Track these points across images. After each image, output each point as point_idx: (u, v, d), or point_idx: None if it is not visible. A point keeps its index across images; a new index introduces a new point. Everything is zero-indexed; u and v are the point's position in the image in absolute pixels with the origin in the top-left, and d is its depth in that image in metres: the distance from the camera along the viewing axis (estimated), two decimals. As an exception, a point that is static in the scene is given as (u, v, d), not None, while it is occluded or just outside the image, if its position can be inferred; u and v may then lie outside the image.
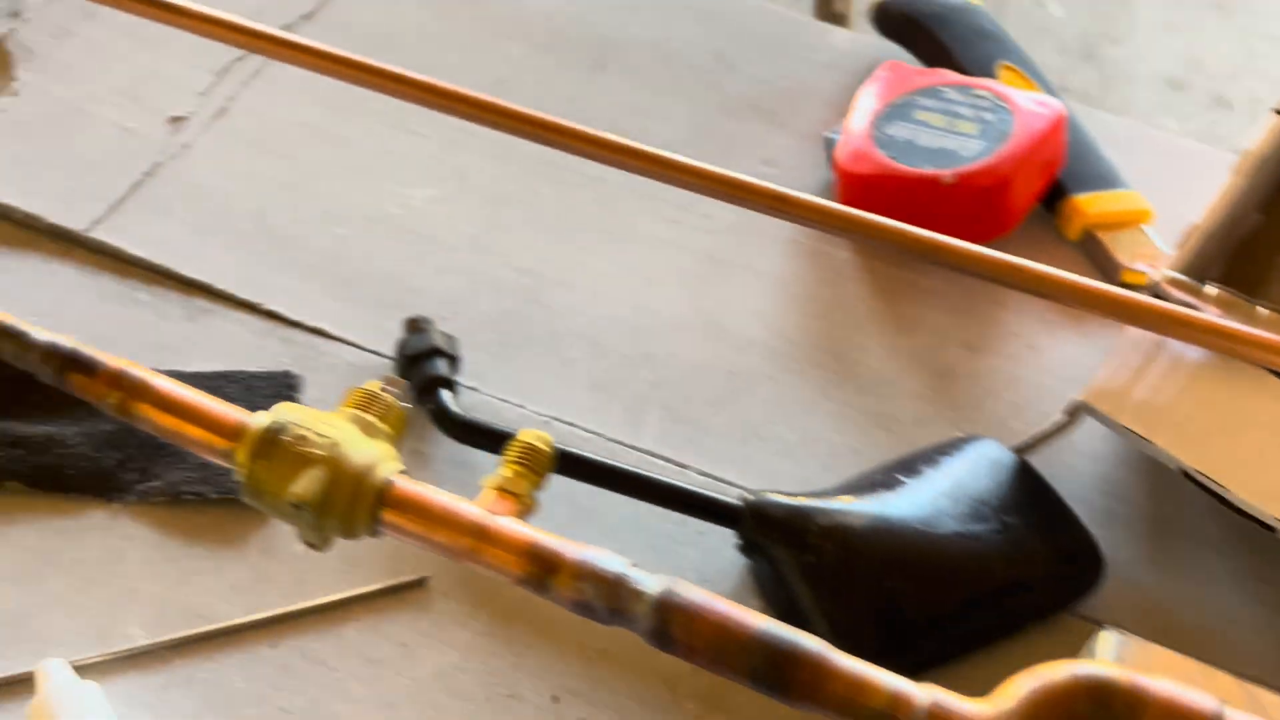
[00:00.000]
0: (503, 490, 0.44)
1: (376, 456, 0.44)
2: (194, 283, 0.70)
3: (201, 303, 0.70)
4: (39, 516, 0.61)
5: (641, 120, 0.81)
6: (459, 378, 0.67)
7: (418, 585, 0.60)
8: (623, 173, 0.70)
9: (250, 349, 0.68)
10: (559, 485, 0.60)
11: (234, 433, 0.44)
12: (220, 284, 0.70)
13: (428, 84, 0.70)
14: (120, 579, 0.59)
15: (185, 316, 0.69)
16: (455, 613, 0.60)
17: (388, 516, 0.43)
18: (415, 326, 0.67)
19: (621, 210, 0.76)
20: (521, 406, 0.67)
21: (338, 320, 0.70)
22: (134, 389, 0.45)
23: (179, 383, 0.46)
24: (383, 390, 0.46)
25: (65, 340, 0.46)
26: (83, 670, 0.56)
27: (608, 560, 0.42)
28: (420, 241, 0.74)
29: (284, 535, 0.61)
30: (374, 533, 0.44)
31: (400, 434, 0.46)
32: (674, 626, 0.41)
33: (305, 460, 0.43)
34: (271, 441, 0.43)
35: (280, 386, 0.66)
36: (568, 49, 0.85)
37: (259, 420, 0.44)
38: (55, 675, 0.54)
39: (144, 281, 0.70)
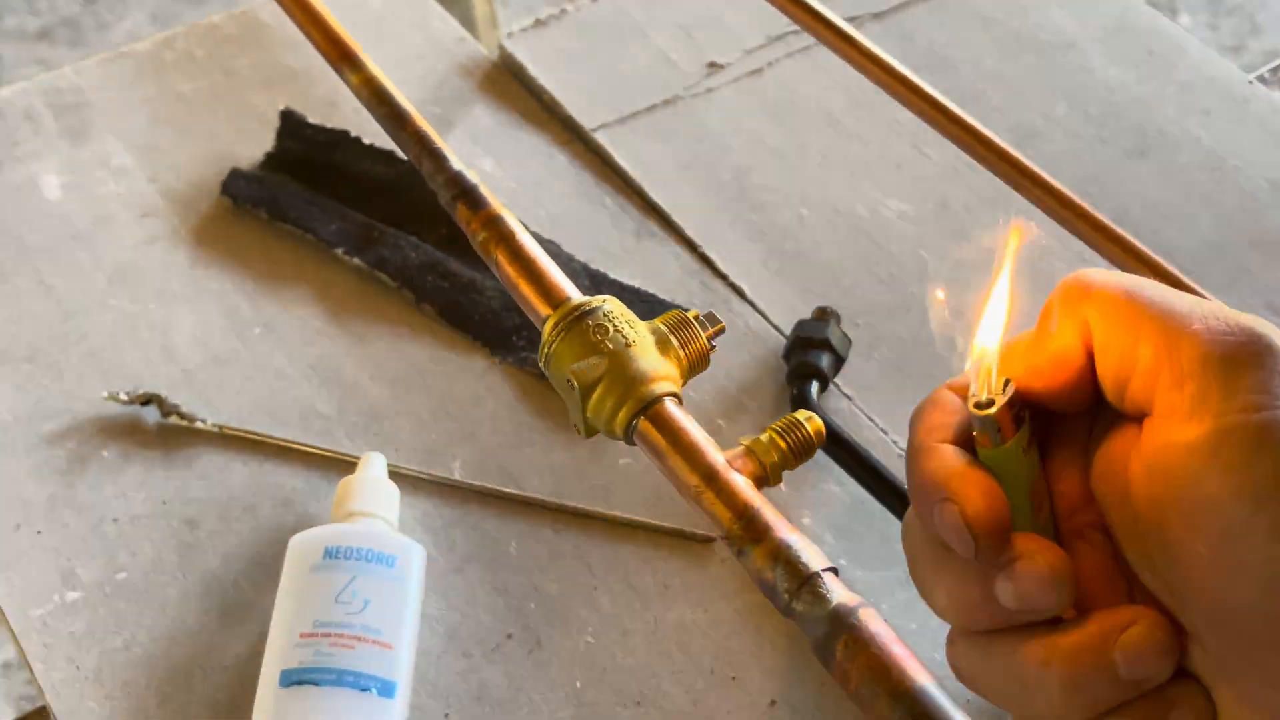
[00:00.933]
0: (751, 451, 0.44)
1: (657, 374, 0.45)
2: (655, 207, 0.75)
3: (653, 226, 0.74)
4: (434, 342, 0.68)
5: (1158, 220, 0.76)
6: (838, 380, 0.67)
7: (705, 543, 0.61)
8: (1109, 263, 0.66)
9: (672, 281, 0.71)
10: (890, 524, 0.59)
11: (556, 303, 0.47)
12: (675, 215, 0.74)
13: (953, 113, 0.70)
14: (468, 424, 0.65)
15: (634, 232, 0.74)
16: (726, 583, 0.60)
17: (643, 426, 0.44)
18: (821, 314, 0.67)
19: (1087, 295, 0.72)
20: (884, 432, 0.65)
21: (759, 286, 0.71)
22: (500, 234, 0.49)
23: (538, 245, 0.49)
24: (696, 320, 0.47)
25: (471, 175, 0.51)
26: (398, 476, 0.61)
27: (810, 555, 0.40)
28: (872, 248, 0.73)
29: (615, 447, 0.64)
30: (629, 439, 0.45)
31: (695, 367, 0.46)
32: (838, 643, 0.39)
33: (594, 348, 0.45)
34: (577, 320, 0.46)
35: (679, 320, 0.68)
36: (1114, 125, 0.81)
37: (578, 299, 0.46)
38: (373, 466, 0.60)
39: (615, 190, 0.76)
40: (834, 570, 0.41)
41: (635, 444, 0.46)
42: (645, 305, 0.70)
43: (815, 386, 0.64)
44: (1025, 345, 0.41)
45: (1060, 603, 0.39)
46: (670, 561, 0.60)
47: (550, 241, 0.72)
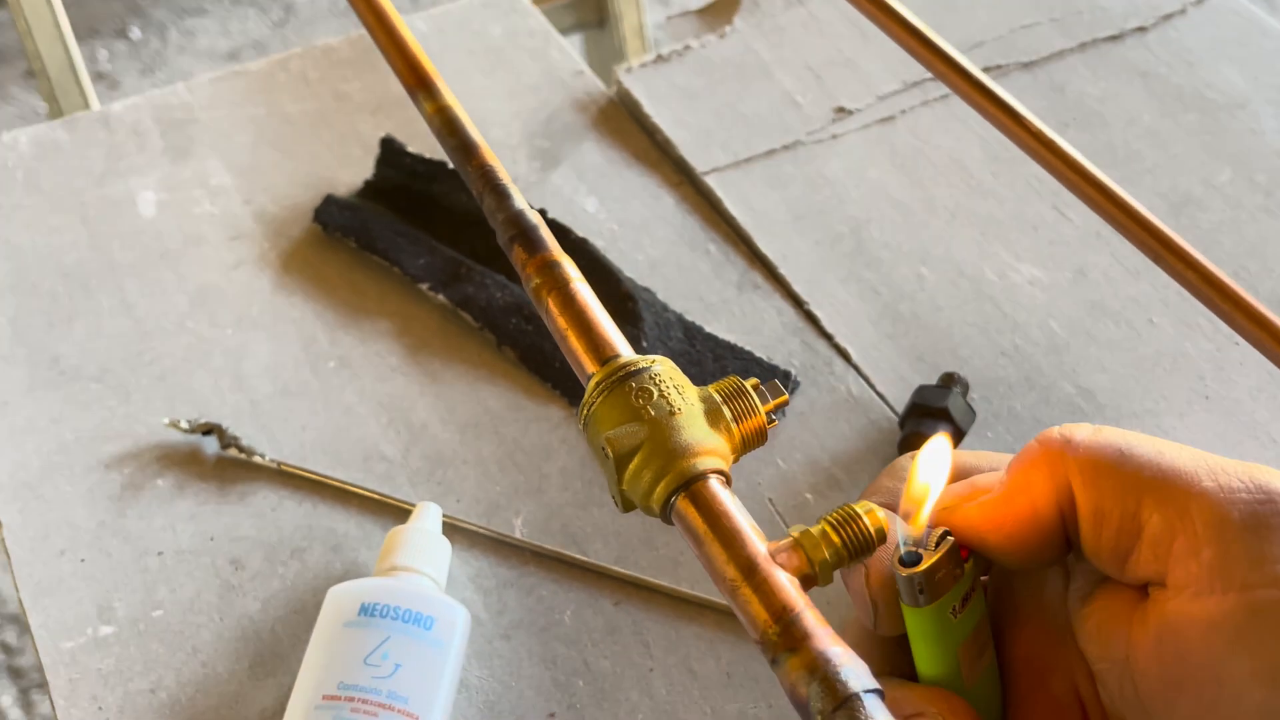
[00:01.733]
0: (799, 545, 0.38)
1: (702, 447, 0.40)
2: (762, 258, 0.70)
3: (758, 277, 0.69)
4: (510, 387, 0.64)
5: (1325, 302, 0.68)
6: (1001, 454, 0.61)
7: (777, 629, 0.56)
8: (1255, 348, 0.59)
9: (773, 338, 0.66)
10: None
11: (605, 360, 0.42)
12: (783, 268, 0.69)
13: (1093, 177, 0.63)
14: (535, 477, 0.61)
15: (736, 283, 0.69)
16: (795, 675, 0.54)
17: (681, 505, 0.39)
18: (947, 380, 0.62)
19: (1237, 383, 0.65)
20: (991, 519, 0.59)
21: (865, 349, 0.65)
22: (553, 281, 0.45)
23: (594, 297, 0.45)
24: (755, 390, 0.42)
25: (532, 215, 0.47)
26: (455, 529, 0.58)
27: (853, 672, 0.35)
28: (997, 315, 0.67)
29: (692, 515, 0.59)
30: (666, 518, 0.40)
31: (749, 443, 0.41)
32: (872, 782, 0.33)
33: (635, 414, 0.40)
34: (620, 381, 0.41)
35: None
36: (1284, 196, 0.73)
37: (625, 359, 0.42)
38: (426, 518, 0.56)
39: (722, 237, 0.71)
40: (879, 693, 0.35)
41: (674, 524, 0.41)
42: (740, 363, 0.65)
43: (917, 464, 0.58)
44: (990, 497, 0.37)
45: None
46: (736, 648, 0.55)
47: (646, 289, 0.67)
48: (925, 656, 0.40)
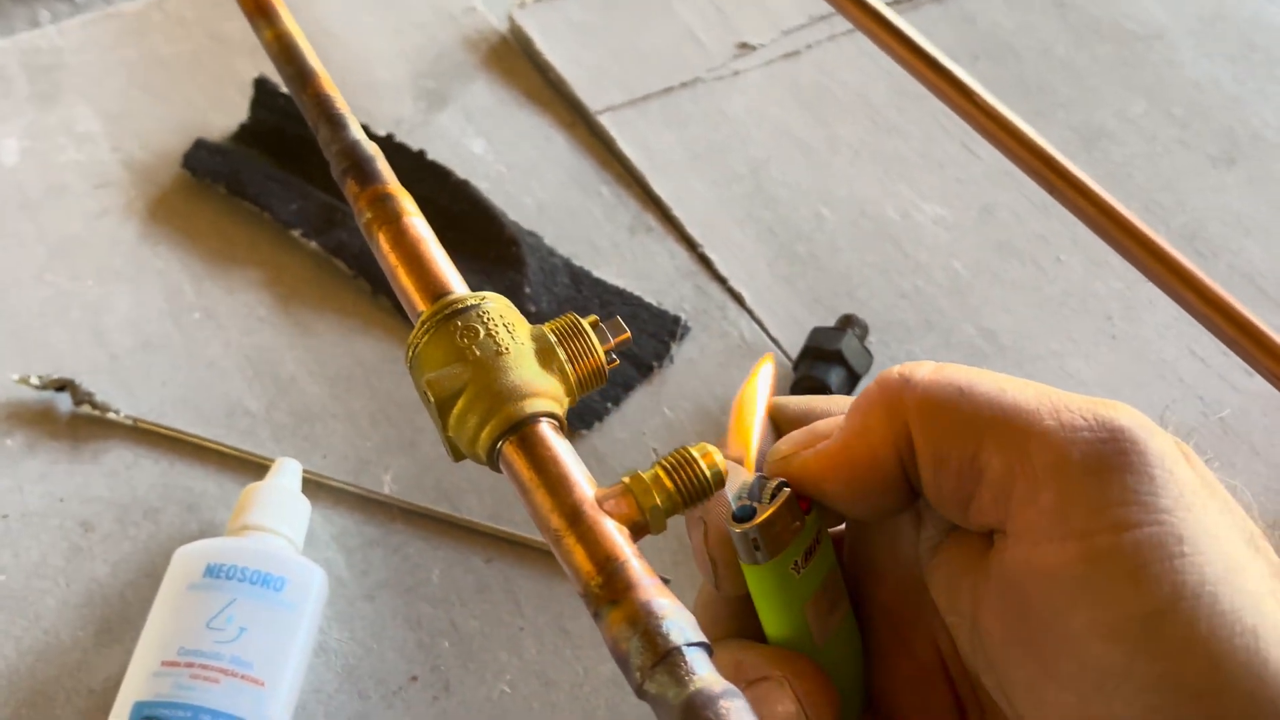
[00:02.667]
0: (629, 491, 0.36)
1: (531, 389, 0.37)
2: (656, 199, 0.67)
3: (651, 220, 0.66)
4: (385, 338, 0.61)
5: (1239, 236, 0.66)
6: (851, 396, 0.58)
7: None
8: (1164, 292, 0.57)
9: (664, 283, 0.63)
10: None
11: (434, 298, 0.39)
12: (677, 209, 0.66)
13: (993, 110, 0.60)
14: (409, 431, 0.58)
15: (629, 226, 0.66)
16: (673, 632, 0.51)
17: (507, 451, 0.37)
18: (844, 323, 0.59)
19: (1145, 321, 0.62)
20: (884, 466, 0.56)
21: (761, 293, 0.63)
22: (385, 215, 0.42)
23: (430, 232, 0.42)
24: (594, 328, 0.39)
25: (368, 147, 0.44)
26: (318, 487, 0.55)
27: (676, 624, 0.32)
28: (898, 256, 0.64)
29: (572, 467, 0.56)
30: (495, 465, 0.37)
31: (586, 384, 0.38)
32: (689, 739, 0.31)
33: (459, 354, 0.37)
34: (446, 320, 0.38)
35: (662, 329, 0.61)
36: (1200, 128, 0.70)
37: (454, 295, 0.39)
38: (284, 475, 0.53)
39: (615, 178, 0.68)
40: (704, 646, 0.33)
41: (502, 472, 0.38)
42: (628, 308, 0.62)
43: (807, 409, 0.56)
44: (828, 444, 0.34)
45: None
46: (612, 604, 0.52)
47: (531, 233, 0.64)
48: (770, 616, 0.37)
